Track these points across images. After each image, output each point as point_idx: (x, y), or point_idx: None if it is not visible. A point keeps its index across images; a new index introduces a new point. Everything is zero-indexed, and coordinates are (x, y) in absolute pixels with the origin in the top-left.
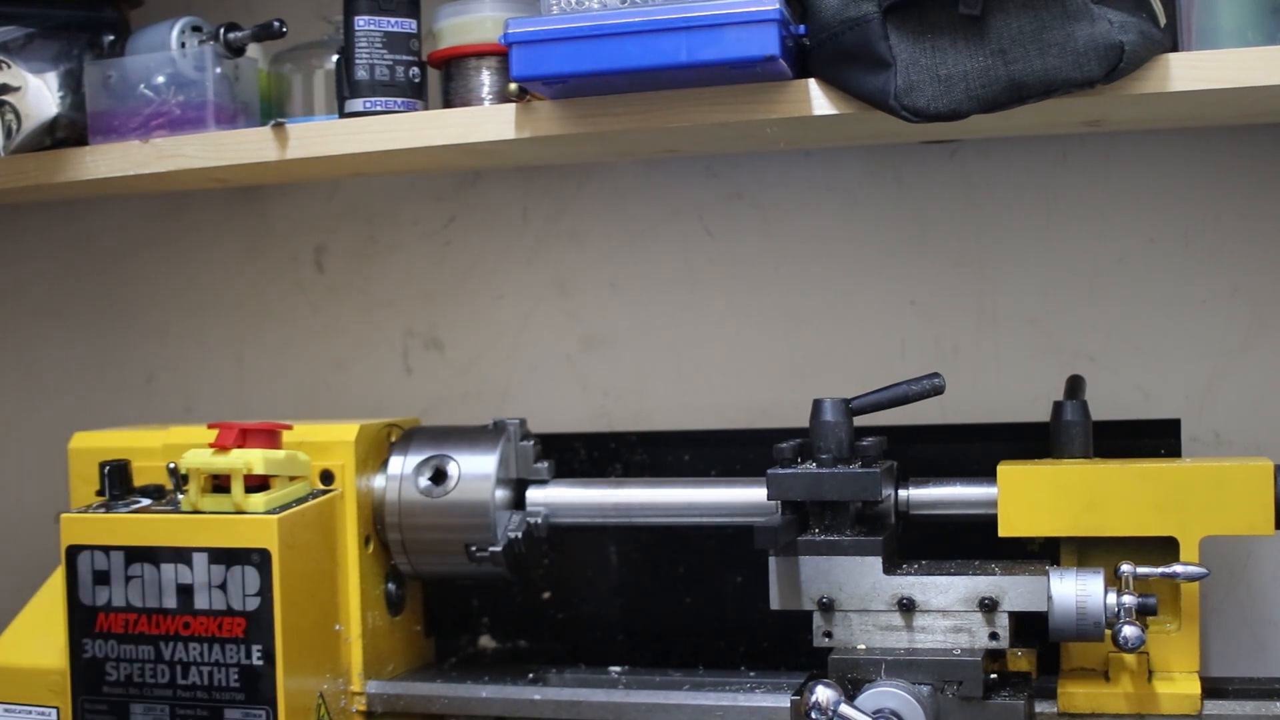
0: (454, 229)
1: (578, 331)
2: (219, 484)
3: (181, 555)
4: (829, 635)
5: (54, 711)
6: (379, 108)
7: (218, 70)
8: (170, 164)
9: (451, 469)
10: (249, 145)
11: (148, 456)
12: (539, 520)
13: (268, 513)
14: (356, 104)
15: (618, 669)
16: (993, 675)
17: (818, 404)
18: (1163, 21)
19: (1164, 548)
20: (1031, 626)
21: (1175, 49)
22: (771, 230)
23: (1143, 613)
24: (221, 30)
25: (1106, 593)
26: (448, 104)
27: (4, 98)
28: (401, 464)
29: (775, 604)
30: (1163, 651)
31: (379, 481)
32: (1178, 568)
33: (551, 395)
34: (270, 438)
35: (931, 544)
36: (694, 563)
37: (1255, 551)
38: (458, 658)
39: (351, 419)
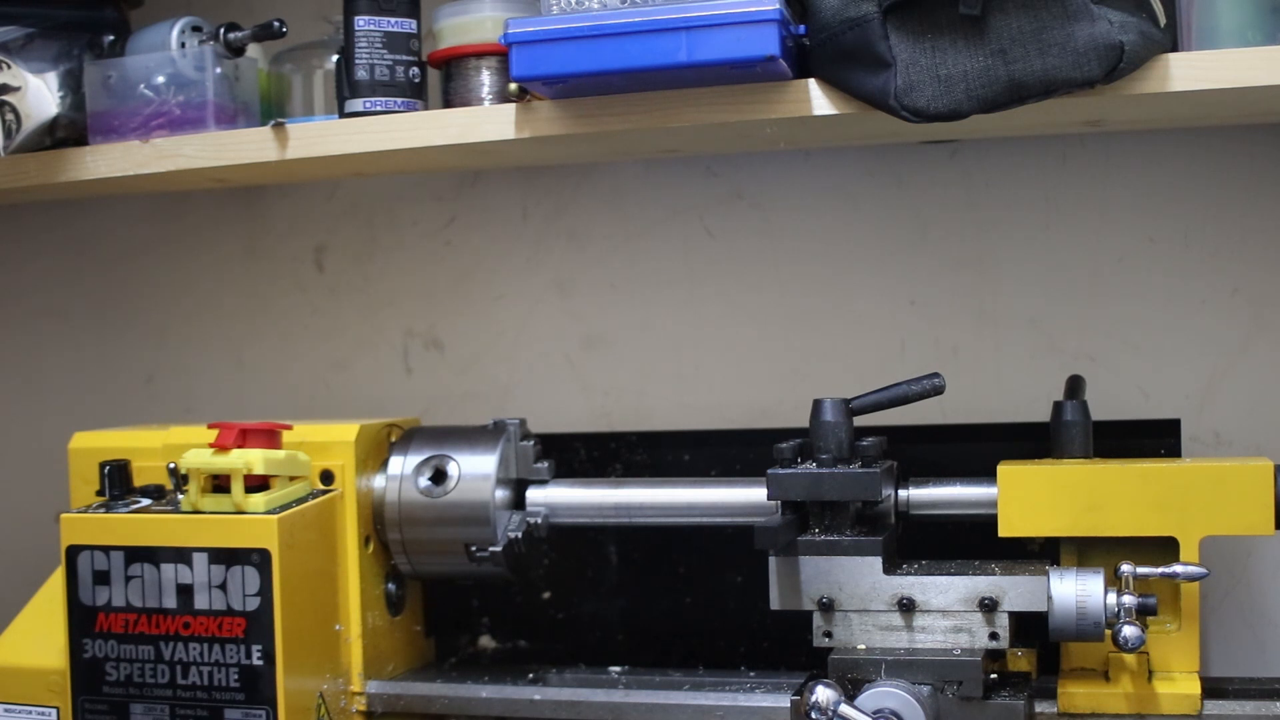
0: (454, 229)
1: (578, 331)
2: (219, 484)
3: (181, 555)
4: (829, 635)
5: (54, 711)
6: (379, 108)
7: (218, 70)
8: (170, 164)
9: (451, 469)
10: (249, 145)
11: (148, 456)
12: (539, 520)
13: (268, 513)
14: (356, 104)
15: (618, 669)
16: (993, 675)
17: (818, 404)
18: (1163, 21)
19: (1164, 548)
20: (1031, 626)
21: (1175, 49)
22: (771, 230)
23: (1143, 613)
24: (221, 30)
25: (1106, 593)
26: (448, 104)
27: (4, 98)
28: (401, 464)
29: (775, 604)
30: (1163, 651)
31: (379, 481)
32: (1178, 568)
33: (551, 395)
34: (270, 438)
35: (931, 544)
36: (694, 563)
37: (1255, 551)
38: (458, 658)
39: (351, 419)
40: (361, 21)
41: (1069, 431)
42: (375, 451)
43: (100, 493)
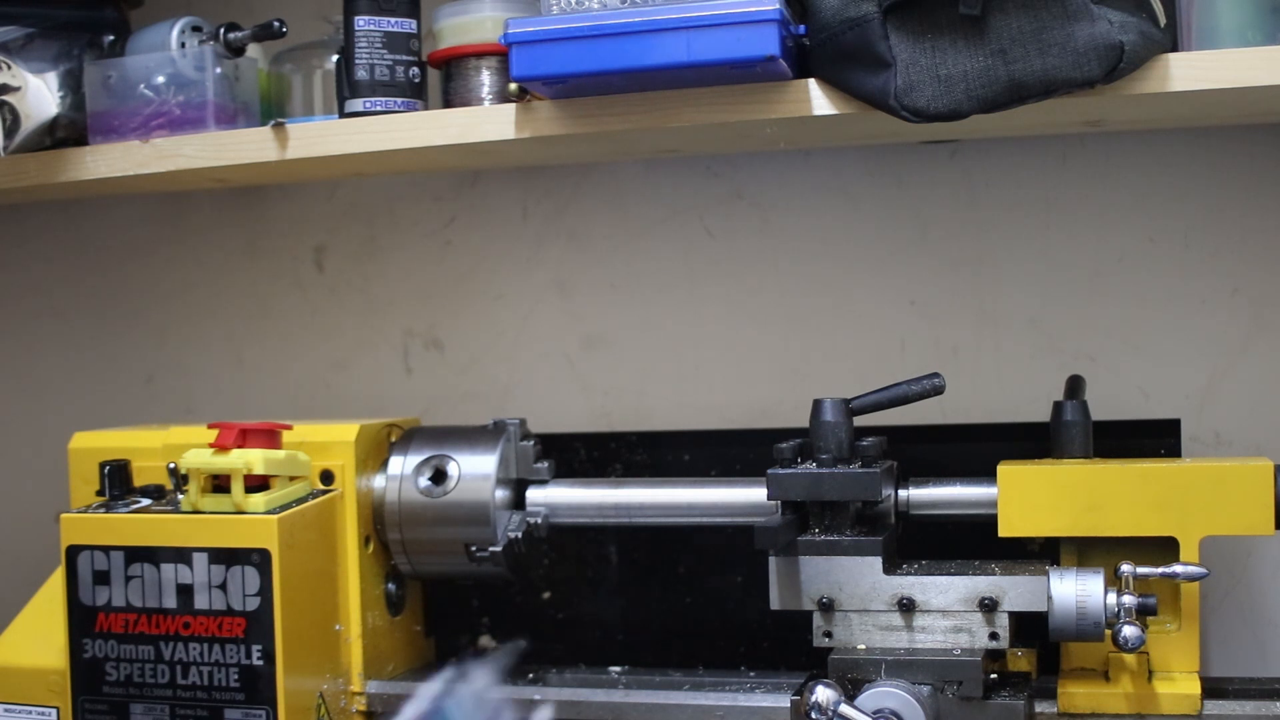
0: (454, 229)
1: (578, 331)
2: (219, 484)
3: (181, 555)
4: (829, 635)
5: (54, 711)
6: (379, 108)
7: (218, 70)
8: (170, 164)
9: (451, 469)
10: (249, 145)
11: (148, 456)
12: (539, 520)
13: (268, 513)
14: (356, 104)
15: (618, 669)
16: (993, 675)
17: (818, 404)
18: (1163, 21)
19: (1164, 548)
20: (1031, 626)
21: (1175, 49)
22: (771, 230)
23: (1143, 613)
24: (221, 30)
25: (1106, 593)
26: (448, 104)
27: (4, 98)
28: (401, 464)
29: (775, 604)
30: (1163, 651)
31: (379, 481)
32: (1178, 568)
33: (551, 395)
34: (270, 438)
35: (931, 544)
36: (694, 563)
37: (1255, 551)
38: (458, 658)
39: (351, 419)
40: (361, 21)
41: (1069, 431)
42: (375, 451)
43: (100, 493)
